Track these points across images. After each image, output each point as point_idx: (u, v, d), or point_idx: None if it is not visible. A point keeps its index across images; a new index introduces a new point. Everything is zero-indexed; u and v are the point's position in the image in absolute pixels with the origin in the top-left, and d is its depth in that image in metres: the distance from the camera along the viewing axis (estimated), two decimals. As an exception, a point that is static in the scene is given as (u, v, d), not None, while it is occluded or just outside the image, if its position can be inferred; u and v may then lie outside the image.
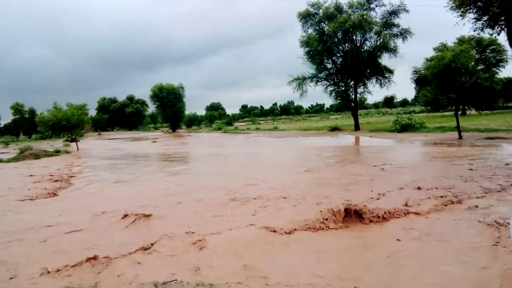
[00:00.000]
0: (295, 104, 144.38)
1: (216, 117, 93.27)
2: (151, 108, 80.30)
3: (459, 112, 20.97)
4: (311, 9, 32.22)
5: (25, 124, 67.21)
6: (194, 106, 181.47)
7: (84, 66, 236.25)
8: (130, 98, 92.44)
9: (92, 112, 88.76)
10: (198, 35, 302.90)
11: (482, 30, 9.34)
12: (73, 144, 29.71)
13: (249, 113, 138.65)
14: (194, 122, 73.52)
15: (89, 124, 34.62)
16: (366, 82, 33.59)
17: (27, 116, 67.40)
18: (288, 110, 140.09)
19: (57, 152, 23.58)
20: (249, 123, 74.74)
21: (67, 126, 26.40)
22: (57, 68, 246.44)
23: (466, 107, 22.02)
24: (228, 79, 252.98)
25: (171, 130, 64.02)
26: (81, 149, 27.46)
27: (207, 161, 17.00)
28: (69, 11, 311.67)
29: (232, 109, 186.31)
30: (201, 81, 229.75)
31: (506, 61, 44.31)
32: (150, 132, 68.60)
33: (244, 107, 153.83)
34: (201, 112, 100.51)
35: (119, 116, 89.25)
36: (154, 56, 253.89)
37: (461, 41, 35.89)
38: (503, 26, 8.93)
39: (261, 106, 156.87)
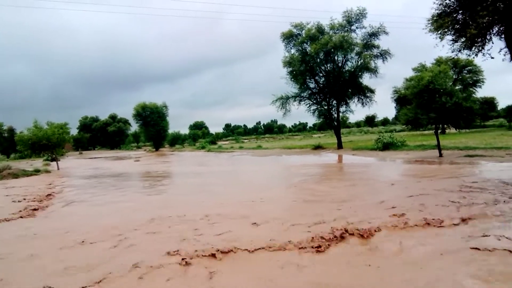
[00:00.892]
0: (278, 123, 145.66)
1: (199, 136, 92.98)
2: (134, 127, 79.79)
3: (439, 131, 21.46)
4: (294, 30, 32.85)
5: (3, 143, 65.51)
6: (178, 125, 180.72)
7: (66, 84, 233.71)
8: (113, 117, 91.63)
9: (74, 131, 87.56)
10: (182, 55, 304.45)
11: (459, 51, 9.64)
12: (54, 163, 29.10)
13: (233, 132, 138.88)
14: (177, 141, 73.06)
15: (70, 143, 33.95)
16: (348, 101, 34.12)
17: (5, 135, 65.79)
18: (272, 129, 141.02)
19: (36, 172, 23.03)
20: (233, 142, 74.73)
21: (48, 145, 25.87)
22: (38, 85, 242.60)
23: (445, 125, 22.58)
24: (211, 98, 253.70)
25: (154, 149, 63.48)
26: (62, 168, 26.91)
27: (189, 179, 16.85)
28: (51, 29, 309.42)
29: (215, 128, 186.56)
30: (184, 100, 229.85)
31: (482, 82, 45.99)
32: (132, 151, 67.84)
33: (227, 126, 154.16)
34: (185, 131, 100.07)
35: (101, 135, 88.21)
36: (137, 75, 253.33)
37: (439, 62, 37.06)
38: (480, 48, 9.26)
39: (244, 125, 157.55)
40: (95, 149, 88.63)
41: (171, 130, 69.60)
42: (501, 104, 68.01)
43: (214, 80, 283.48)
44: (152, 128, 61.39)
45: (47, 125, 26.93)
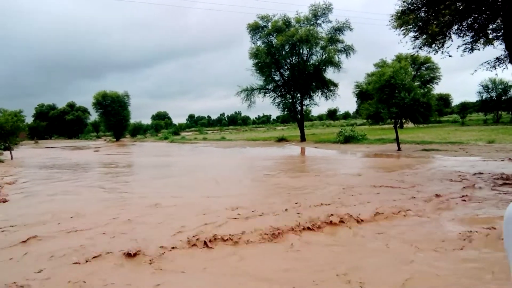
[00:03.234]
0: (242, 115, 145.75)
1: (162, 126, 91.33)
2: (94, 116, 77.00)
3: (397, 125, 22.23)
4: (260, 22, 32.81)
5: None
6: (140, 115, 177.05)
7: (21, 71, 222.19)
8: (71, 105, 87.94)
9: (29, 119, 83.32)
10: (146, 43, 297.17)
11: (420, 48, 10.00)
12: (7, 152, 27.61)
13: (196, 123, 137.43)
14: (139, 131, 71.35)
15: (25, 131, 32.17)
16: (312, 94, 34.59)
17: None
18: (236, 121, 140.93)
19: (-13, 161, 21.77)
20: (196, 133, 74.00)
21: (0, 133, 24.53)
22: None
23: (404, 120, 23.42)
24: (175, 89, 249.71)
25: (115, 139, 61.70)
26: (16, 158, 25.59)
27: (151, 171, 16.55)
28: (7, 12, 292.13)
29: (179, 119, 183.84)
30: (147, 90, 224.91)
31: (439, 78, 48.06)
32: (92, 141, 65.53)
33: (191, 117, 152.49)
34: (147, 121, 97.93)
35: (58, 124, 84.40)
36: (98, 63, 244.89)
37: (399, 58, 38.24)
38: (440, 45, 9.65)
39: (208, 116, 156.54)
40: (51, 138, 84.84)
41: (133, 120, 67.90)
42: (455, 101, 71.44)
43: (178, 70, 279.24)
44: (113, 118, 59.54)
45: (0, 113, 25.51)
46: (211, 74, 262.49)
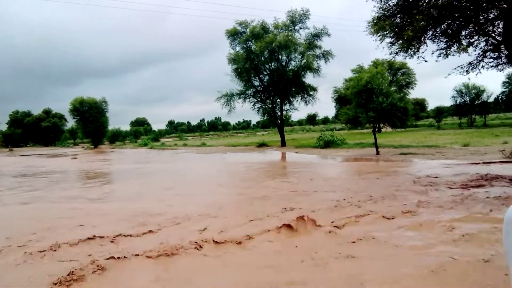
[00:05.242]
0: (222, 121, 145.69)
1: (141, 132, 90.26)
2: (71, 123, 75.47)
3: (375, 129, 22.58)
4: (239, 28, 32.90)
5: None
6: (118, 121, 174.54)
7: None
8: (47, 112, 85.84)
9: (3, 127, 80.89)
10: (124, 50, 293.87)
11: (397, 53, 10.20)
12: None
13: (176, 129, 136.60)
14: (118, 137, 70.32)
15: (-1, 139, 31.35)
16: (291, 99, 34.79)
17: None
18: (216, 126, 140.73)
19: (-43, 171, 20.98)
20: (176, 139, 73.48)
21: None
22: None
23: (382, 124, 23.83)
24: (154, 95, 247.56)
25: (93, 146, 60.59)
26: (-13, 167, 24.76)
27: (131, 179, 16.26)
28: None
29: (158, 125, 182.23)
30: (126, 96, 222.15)
31: (415, 83, 49.22)
32: (69, 148, 64.08)
33: (171, 123, 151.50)
34: (126, 127, 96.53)
35: (34, 131, 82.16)
36: (75, 69, 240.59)
37: (375, 63, 38.99)
38: (415, 50, 9.86)
39: (188, 122, 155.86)
40: (27, 145, 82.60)
41: (111, 126, 66.96)
42: (431, 105, 73.25)
43: (157, 76, 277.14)
44: (91, 124, 58.52)
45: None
46: (191, 80, 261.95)
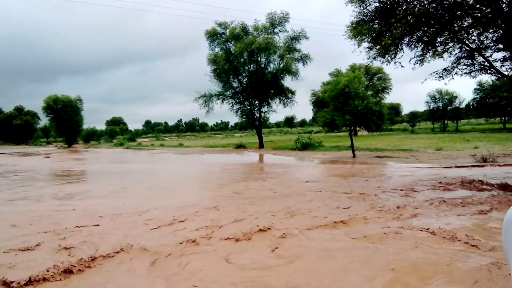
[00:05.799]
0: (200, 121, 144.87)
1: (117, 132, 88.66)
2: (44, 121, 73.32)
3: (352, 133, 22.90)
4: (218, 29, 32.77)
5: None
6: (94, 120, 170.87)
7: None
8: (19, 109, 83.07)
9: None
10: (100, 47, 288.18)
11: (374, 58, 10.38)
12: None
13: (153, 129, 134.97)
14: (92, 137, 68.82)
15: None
16: (270, 101, 34.89)
17: None
18: (193, 127, 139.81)
19: None
20: (153, 139, 72.55)
21: None
22: None
23: (358, 128, 24.18)
24: (131, 94, 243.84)
25: (67, 145, 59.09)
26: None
27: (104, 179, 15.94)
28: None
29: (135, 125, 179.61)
30: (102, 95, 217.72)
31: (390, 88, 50.29)
32: (42, 147, 62.26)
33: (147, 123, 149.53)
34: (101, 126, 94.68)
35: (4, 129, 79.35)
36: (50, 67, 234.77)
37: (353, 68, 39.61)
38: (392, 56, 10.05)
39: (165, 122, 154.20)
40: (-4, 144, 79.73)
41: (86, 125, 65.53)
42: (405, 110, 74.96)
43: (134, 75, 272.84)
44: (65, 123, 57.08)
45: None
46: (169, 80, 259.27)
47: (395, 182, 10.86)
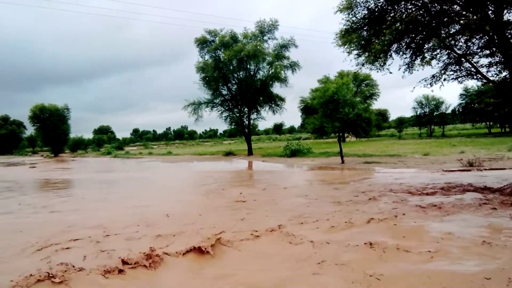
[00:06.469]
0: (189, 129, 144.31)
1: (105, 141, 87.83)
2: (30, 131, 72.24)
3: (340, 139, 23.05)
4: (208, 36, 32.82)
5: None
6: (81, 129, 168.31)
7: None
8: (4, 119, 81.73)
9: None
10: (87, 56, 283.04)
11: (363, 65, 10.50)
12: None
13: (141, 138, 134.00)
14: (80, 146, 68.02)
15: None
16: (259, 109, 34.98)
17: None
18: (182, 135, 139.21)
19: None
20: (141, 148, 71.90)
21: None
22: None
23: (346, 134, 24.36)
24: (118, 102, 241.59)
25: (53, 155, 58.25)
26: None
27: (92, 189, 15.74)
28: None
29: (123, 133, 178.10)
30: (89, 103, 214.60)
31: (378, 95, 50.91)
32: (27, 157, 61.24)
33: (135, 131, 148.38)
34: (89, 135, 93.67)
35: (-11, 139, 77.97)
36: (36, 75, 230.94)
37: (341, 75, 39.98)
38: (381, 63, 10.18)
39: (154, 131, 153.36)
40: (-20, 154, 78.11)
41: (73, 134, 64.83)
42: (392, 116, 75.75)
43: (122, 83, 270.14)
44: (52, 132, 56.40)
45: None
46: (156, 88, 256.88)
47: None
